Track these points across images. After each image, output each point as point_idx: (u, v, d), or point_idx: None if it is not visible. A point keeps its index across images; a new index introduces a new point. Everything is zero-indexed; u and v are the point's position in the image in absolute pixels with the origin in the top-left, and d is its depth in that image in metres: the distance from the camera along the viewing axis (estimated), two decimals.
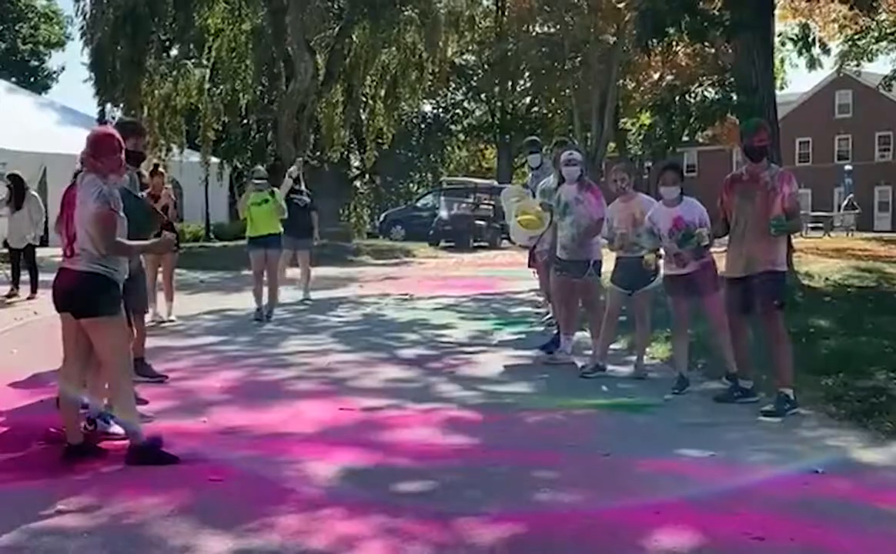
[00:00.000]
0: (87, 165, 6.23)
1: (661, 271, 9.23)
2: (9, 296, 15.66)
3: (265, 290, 13.80)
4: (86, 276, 6.08)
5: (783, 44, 22.03)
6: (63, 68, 74.66)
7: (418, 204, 44.92)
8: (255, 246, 13.87)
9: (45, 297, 13.86)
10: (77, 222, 6.12)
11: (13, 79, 47.00)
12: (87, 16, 30.25)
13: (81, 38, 31.13)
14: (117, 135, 6.42)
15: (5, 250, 16.78)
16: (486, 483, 5.80)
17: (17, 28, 58.57)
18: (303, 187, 16.06)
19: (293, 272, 16.54)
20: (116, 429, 6.59)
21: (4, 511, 5.21)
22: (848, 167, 53.50)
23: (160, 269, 12.89)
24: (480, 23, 51.61)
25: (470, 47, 53.77)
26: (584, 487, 5.72)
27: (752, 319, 8.16)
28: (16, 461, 6.24)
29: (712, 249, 8.68)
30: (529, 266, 12.73)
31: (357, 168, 46.68)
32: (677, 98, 22.61)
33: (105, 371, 6.46)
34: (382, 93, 34.80)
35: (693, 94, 31.16)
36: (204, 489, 5.66)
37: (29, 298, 15.29)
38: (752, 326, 8.25)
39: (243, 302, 14.70)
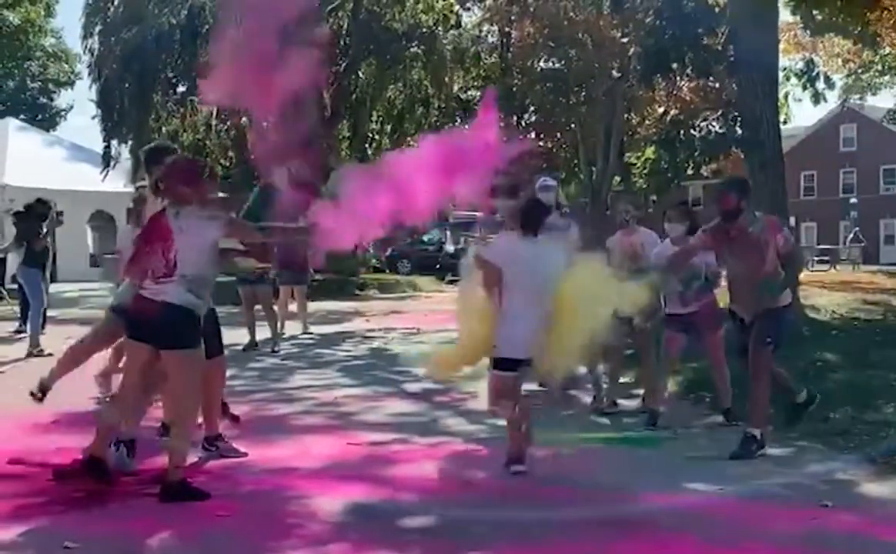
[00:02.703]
0: (176, 197, 6.28)
1: (660, 306, 9.28)
2: (17, 331, 15.69)
3: (268, 319, 14.02)
4: (172, 308, 6.09)
5: (787, 78, 22.14)
6: (72, 106, 75.15)
7: (424, 238, 44.91)
8: (243, 282, 14.00)
9: (53, 331, 13.97)
10: (180, 254, 6.13)
11: (22, 116, 47.30)
12: (95, 53, 30.50)
13: (89, 75, 31.42)
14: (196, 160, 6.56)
15: (14, 286, 16.83)
16: (492, 518, 5.79)
17: (26, 66, 58.97)
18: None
19: (292, 307, 16.59)
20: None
21: (12, 548, 5.22)
22: (853, 200, 53.62)
23: None
24: (485, 59, 51.91)
25: (475, 83, 54.07)
26: (590, 522, 5.70)
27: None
28: (23, 496, 6.22)
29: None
30: None
31: None
32: (682, 132, 22.69)
33: (174, 401, 6.53)
34: (388, 128, 34.99)
35: (697, 129, 31.26)
36: (210, 524, 5.65)
37: None
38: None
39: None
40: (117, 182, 30.57)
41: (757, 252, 7.46)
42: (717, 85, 22.53)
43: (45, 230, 14.67)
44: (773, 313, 7.52)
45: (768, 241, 7.49)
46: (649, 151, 59.18)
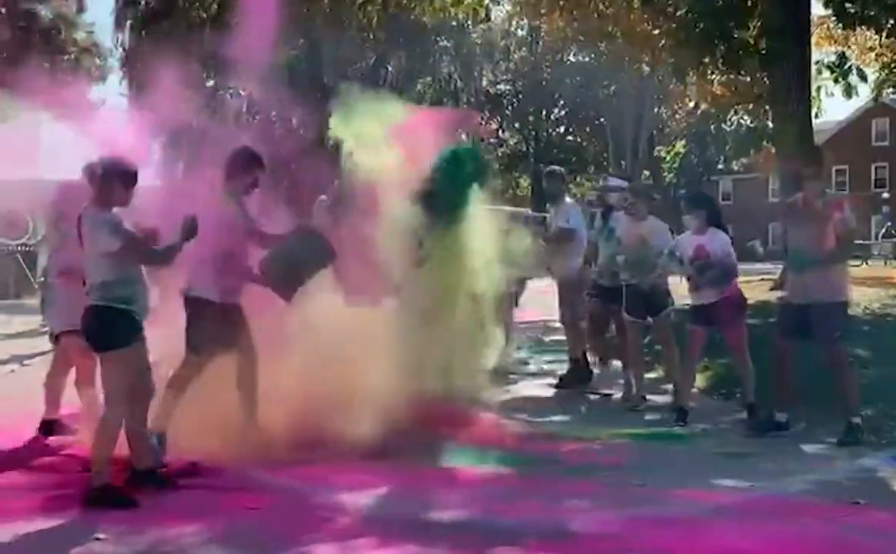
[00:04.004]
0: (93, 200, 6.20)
1: (673, 299, 9.31)
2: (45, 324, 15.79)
3: None
4: (93, 311, 6.02)
5: (819, 72, 21.92)
6: (104, 101, 75.77)
7: None
8: None
9: None
10: (86, 260, 6.12)
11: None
12: (126, 48, 30.72)
13: (120, 69, 31.63)
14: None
15: (43, 279, 16.94)
16: (520, 512, 5.78)
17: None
18: None
19: None
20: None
21: (44, 539, 5.26)
22: (885, 195, 53.03)
23: None
24: (515, 53, 51.89)
25: (504, 77, 54.04)
26: (619, 518, 5.67)
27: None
28: (55, 488, 6.28)
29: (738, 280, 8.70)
30: None
31: None
32: (713, 126, 22.51)
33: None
34: None
35: (729, 123, 30.96)
36: (240, 517, 5.68)
37: None
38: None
39: None
40: (147, 175, 30.74)
41: (817, 224, 7.67)
42: (749, 79, 22.29)
43: None
44: (836, 306, 7.69)
45: (828, 217, 7.66)
46: (679, 146, 58.94)
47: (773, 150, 19.93)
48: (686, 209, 8.76)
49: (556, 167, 11.71)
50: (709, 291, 8.40)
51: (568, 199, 10.86)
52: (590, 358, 10.71)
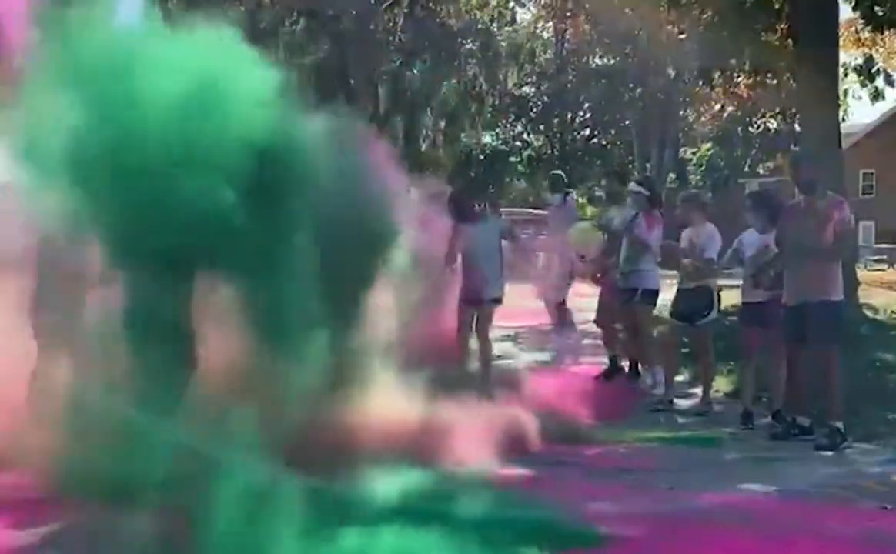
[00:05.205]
0: None
1: (718, 306, 9.29)
2: None
3: None
4: None
5: (846, 74, 21.81)
6: None
7: None
8: None
9: None
10: None
11: None
12: None
13: None
14: None
15: None
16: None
17: None
18: None
19: None
20: None
21: (77, 538, 5.33)
22: None
23: None
24: (540, 55, 51.77)
25: (530, 79, 53.90)
26: (645, 521, 5.65)
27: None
28: None
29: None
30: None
31: None
32: (739, 129, 22.39)
33: None
34: (443, 124, 35.11)
35: (755, 126, 30.86)
36: None
37: None
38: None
39: None
40: None
41: (819, 225, 7.79)
42: (776, 81, 22.29)
43: None
44: (830, 306, 7.70)
45: (829, 216, 7.79)
46: (705, 148, 58.67)
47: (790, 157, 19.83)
48: (751, 207, 8.77)
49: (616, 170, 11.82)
50: (762, 291, 8.39)
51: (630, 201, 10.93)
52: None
